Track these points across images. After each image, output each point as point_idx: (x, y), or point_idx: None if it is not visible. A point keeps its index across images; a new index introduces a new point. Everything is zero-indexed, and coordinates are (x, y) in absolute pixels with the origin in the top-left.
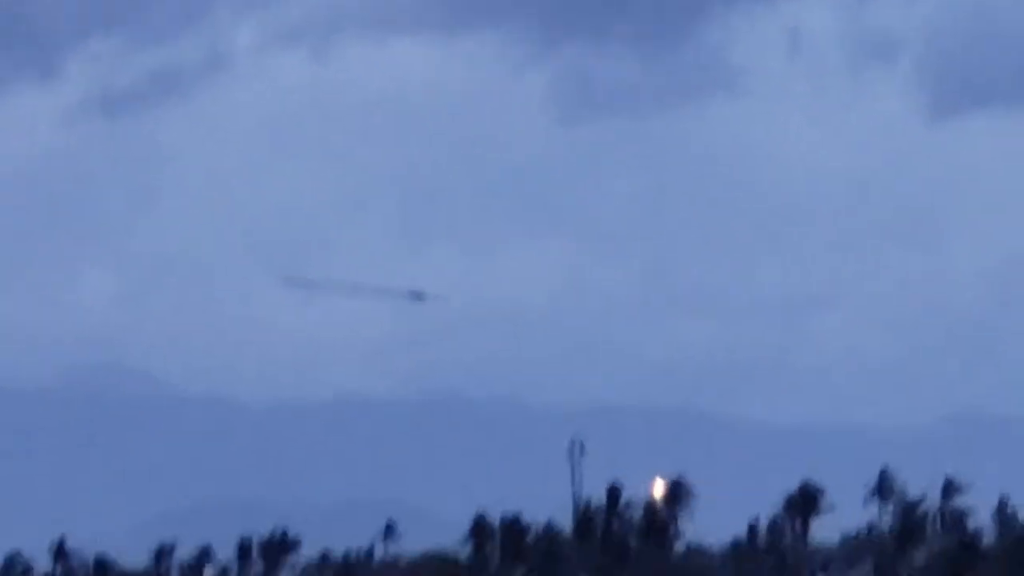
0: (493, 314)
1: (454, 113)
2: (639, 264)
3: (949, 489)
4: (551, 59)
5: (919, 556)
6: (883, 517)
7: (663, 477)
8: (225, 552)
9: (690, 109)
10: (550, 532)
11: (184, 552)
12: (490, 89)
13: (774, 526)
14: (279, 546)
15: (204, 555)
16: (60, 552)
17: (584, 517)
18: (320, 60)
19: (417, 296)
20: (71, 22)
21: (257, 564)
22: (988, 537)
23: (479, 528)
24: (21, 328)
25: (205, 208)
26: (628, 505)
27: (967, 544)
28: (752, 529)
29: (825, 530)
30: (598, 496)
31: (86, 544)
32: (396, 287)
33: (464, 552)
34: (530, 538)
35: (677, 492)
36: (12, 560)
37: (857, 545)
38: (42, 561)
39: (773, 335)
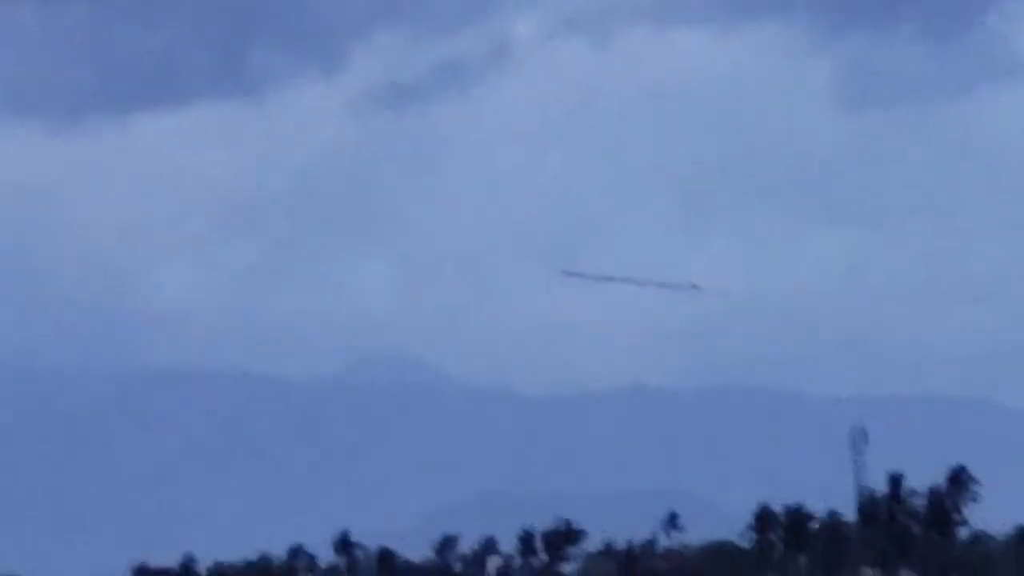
0: (775, 305)
1: (735, 103)
2: (922, 252)
3: None
4: (835, 48)
5: None
6: None
7: (945, 465)
8: (508, 544)
9: (974, 96)
10: (833, 521)
11: (467, 544)
12: (773, 78)
13: None
14: (563, 537)
15: (488, 547)
16: (344, 544)
17: (867, 506)
18: (601, 50)
19: (696, 288)
20: (356, 15)
21: (541, 555)
22: None
23: (762, 518)
24: (307, 321)
25: (485, 199)
26: (912, 493)
27: None
28: None
29: None
30: (881, 485)
31: (370, 537)
32: (675, 279)
33: (747, 542)
34: (813, 527)
35: (960, 480)
36: (296, 552)
37: None
38: (326, 553)
39: None
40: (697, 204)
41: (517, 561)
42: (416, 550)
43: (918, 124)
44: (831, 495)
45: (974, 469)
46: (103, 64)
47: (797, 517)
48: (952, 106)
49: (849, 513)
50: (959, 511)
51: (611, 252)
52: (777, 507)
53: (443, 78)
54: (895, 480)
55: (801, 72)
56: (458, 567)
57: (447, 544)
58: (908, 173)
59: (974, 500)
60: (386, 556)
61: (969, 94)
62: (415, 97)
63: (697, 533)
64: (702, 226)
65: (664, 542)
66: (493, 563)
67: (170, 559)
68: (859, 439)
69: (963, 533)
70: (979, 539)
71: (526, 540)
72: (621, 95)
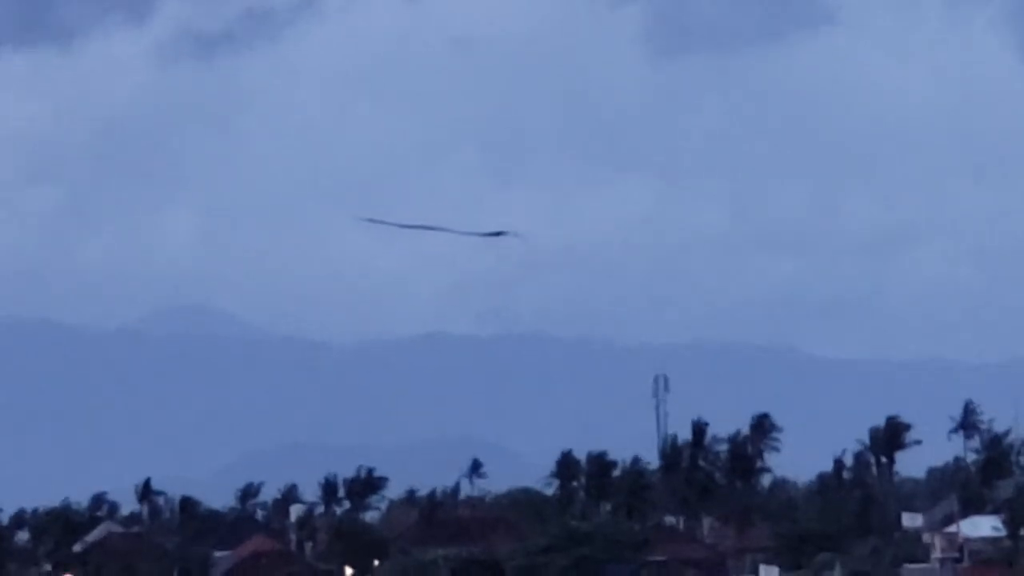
0: (576, 253)
1: (543, 52)
2: (724, 201)
3: None
4: None
5: (1005, 489)
6: (968, 451)
7: (748, 413)
8: (311, 492)
9: (782, 45)
10: (636, 468)
11: (269, 492)
12: (581, 28)
13: (860, 461)
14: (365, 485)
15: (290, 495)
16: (146, 492)
17: (670, 453)
18: (411, 1)
19: (497, 235)
20: None
21: (343, 503)
22: None
23: (565, 465)
24: (108, 270)
25: (291, 148)
26: (714, 441)
27: None
28: (838, 464)
29: (911, 464)
30: (683, 433)
31: (172, 485)
32: (477, 226)
33: (550, 489)
34: (616, 474)
35: (763, 428)
36: (98, 500)
37: (943, 479)
38: (128, 501)
39: (859, 271)
40: (503, 153)
41: (319, 509)
42: (218, 498)
43: (725, 73)
44: (634, 443)
45: (776, 417)
46: None
47: (600, 464)
48: (760, 55)
49: (652, 460)
50: (761, 458)
51: (416, 201)
52: (580, 454)
53: (251, 27)
54: (698, 428)
55: (609, 21)
56: (260, 515)
57: (249, 492)
58: (713, 122)
59: (776, 448)
60: (188, 504)
61: (778, 43)
62: (222, 46)
63: (500, 480)
64: (507, 175)
65: (467, 489)
66: (295, 511)
67: None
68: (661, 387)
69: (765, 480)
70: (781, 486)
71: (328, 488)
72: (430, 45)
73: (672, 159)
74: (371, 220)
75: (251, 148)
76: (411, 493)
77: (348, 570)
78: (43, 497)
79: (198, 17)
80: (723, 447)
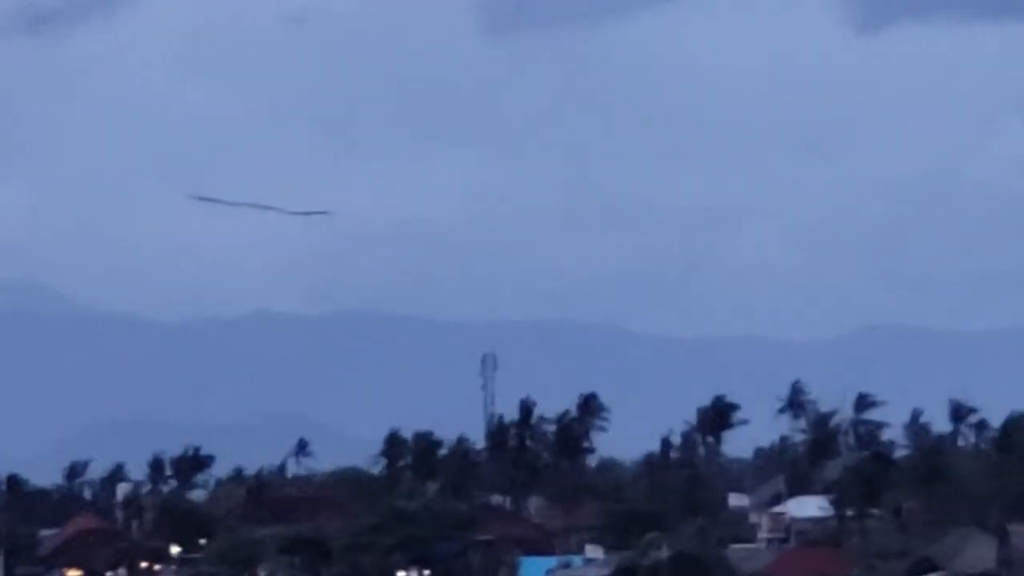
0: (404, 230)
1: (377, 25)
2: (552, 177)
3: (862, 403)
4: None
5: (832, 469)
6: (795, 431)
7: (576, 392)
8: (138, 471)
9: (620, 21)
10: (463, 447)
11: (96, 470)
12: (416, 2)
13: (687, 440)
14: (192, 463)
15: (117, 473)
16: None
17: (497, 432)
18: None
19: (322, 214)
20: None
21: (170, 482)
22: (901, 450)
23: (392, 444)
24: None
25: (119, 126)
26: (541, 420)
27: (880, 457)
28: (665, 443)
29: (738, 444)
30: (511, 412)
31: None
32: (307, 206)
33: (377, 468)
34: (443, 454)
35: (590, 407)
36: None
37: (770, 459)
38: None
39: (686, 247)
40: (335, 129)
41: (147, 487)
42: (45, 476)
43: (560, 48)
44: (462, 422)
45: (603, 396)
46: None
47: (426, 443)
48: (603, 30)
49: (479, 440)
50: (588, 438)
51: (248, 178)
52: (407, 434)
53: (83, 2)
54: (525, 407)
55: None
56: (87, 493)
57: (76, 470)
58: (546, 98)
59: (603, 427)
60: (14, 482)
61: (616, 18)
62: (57, 20)
63: (326, 460)
64: (340, 151)
65: (293, 469)
66: (122, 489)
67: None
68: (489, 365)
69: (593, 460)
70: (608, 466)
71: (155, 466)
72: (262, 21)
73: (505, 135)
74: (201, 198)
75: (83, 124)
76: (238, 472)
77: (175, 548)
78: None
79: None
80: (550, 427)
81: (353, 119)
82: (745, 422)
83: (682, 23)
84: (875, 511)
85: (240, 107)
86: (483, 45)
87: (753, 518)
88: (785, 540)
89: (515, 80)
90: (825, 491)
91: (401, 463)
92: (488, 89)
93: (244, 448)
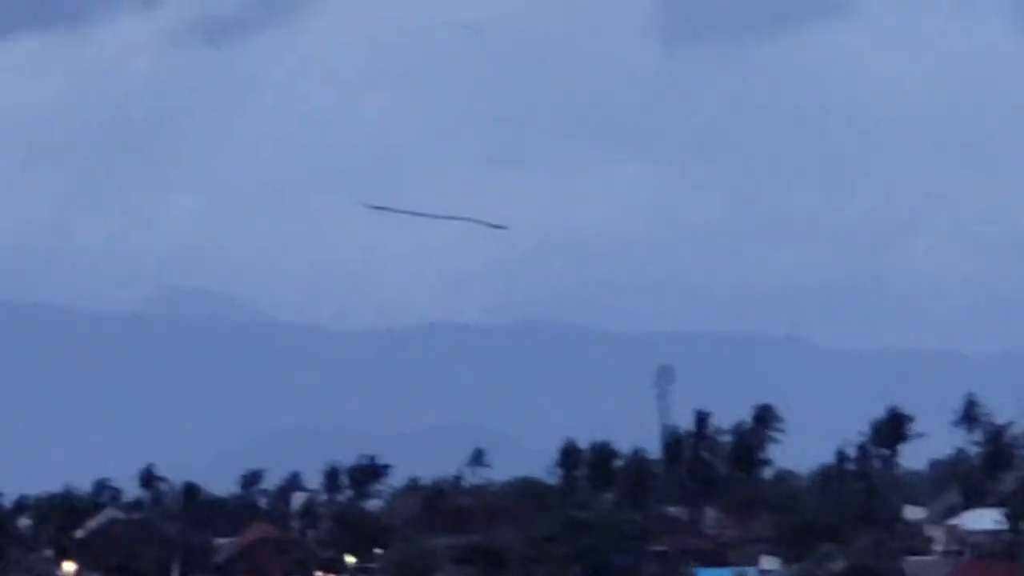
0: (579, 241)
1: (552, 36)
2: (729, 189)
3: None
4: None
5: (1008, 482)
6: (971, 444)
7: (751, 403)
8: (313, 480)
9: (792, 34)
10: (639, 458)
11: (272, 479)
12: (594, 14)
13: (862, 452)
14: (368, 473)
15: (292, 482)
16: (149, 478)
17: (673, 443)
18: None
19: (500, 225)
20: None
21: (346, 491)
22: None
23: (568, 454)
24: (112, 252)
25: (299, 134)
26: (717, 431)
27: None
28: (840, 456)
29: (913, 457)
30: (687, 423)
31: (174, 471)
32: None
33: (553, 478)
34: (619, 465)
35: (766, 419)
36: (101, 486)
37: (945, 471)
38: (131, 488)
39: (862, 260)
40: (510, 141)
41: (322, 496)
42: (221, 485)
43: (732, 61)
44: (637, 433)
45: (779, 407)
46: None
47: (603, 454)
48: (776, 43)
49: (654, 451)
50: (764, 449)
51: (422, 188)
52: (583, 444)
53: (262, 12)
54: (701, 418)
55: (619, 8)
56: (263, 502)
57: (252, 479)
58: (719, 110)
59: (779, 439)
60: (191, 490)
61: (787, 32)
62: (233, 30)
63: (503, 470)
64: (513, 162)
65: (470, 478)
66: (298, 498)
67: None
68: (665, 377)
69: (768, 472)
70: (783, 478)
71: (331, 476)
72: (439, 31)
73: (678, 147)
74: (375, 207)
75: (258, 133)
76: (414, 481)
77: (349, 558)
78: (45, 483)
79: (209, 2)
80: (726, 438)
81: (528, 130)
82: (920, 434)
83: (854, 35)
84: None
85: (415, 117)
86: (658, 57)
87: (928, 531)
88: (960, 553)
89: (689, 92)
90: (1000, 504)
91: (577, 473)
92: (662, 101)
93: (420, 458)
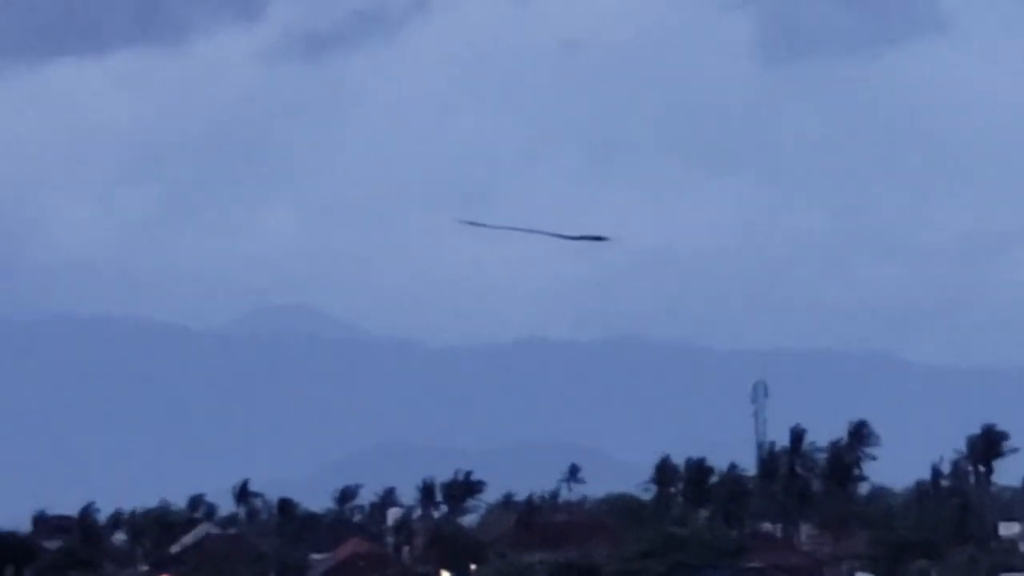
0: (676, 256)
1: (651, 53)
2: (825, 206)
3: None
4: (756, 1)
5: None
6: None
7: (847, 420)
8: (408, 495)
9: (894, 51)
10: (734, 475)
11: (367, 495)
12: (691, 31)
13: (957, 469)
14: (463, 488)
15: (388, 498)
16: (244, 494)
17: (768, 459)
18: (519, 2)
19: (595, 239)
20: None
21: (441, 507)
22: None
23: (663, 471)
24: (210, 268)
25: (394, 151)
26: (812, 448)
27: None
28: (935, 472)
29: (1009, 473)
30: (782, 439)
31: (270, 487)
32: (577, 229)
33: (648, 495)
34: (714, 480)
35: (861, 435)
36: (196, 501)
37: None
38: (226, 503)
39: (959, 276)
40: (605, 156)
41: (417, 512)
42: (316, 500)
43: (835, 78)
44: (733, 449)
45: (875, 424)
46: (23, 11)
47: (698, 470)
48: (871, 61)
49: (750, 467)
50: (859, 466)
51: (518, 203)
52: (678, 460)
53: (361, 28)
54: (796, 434)
55: (720, 25)
56: (358, 517)
57: (347, 494)
58: (816, 127)
59: (874, 455)
60: (286, 505)
61: (890, 49)
62: (332, 46)
63: (598, 486)
64: (609, 177)
65: (565, 494)
66: (393, 514)
67: (70, 508)
68: (760, 393)
69: (863, 488)
70: (879, 494)
71: (426, 491)
72: (538, 47)
73: (774, 163)
74: (469, 223)
75: (354, 149)
76: (508, 497)
77: (445, 574)
78: (141, 498)
79: (308, 18)
80: (821, 454)
81: (623, 145)
82: (1015, 450)
83: (953, 52)
84: None
85: (512, 132)
86: (757, 74)
87: (1023, 547)
88: None
89: (786, 108)
90: None
91: (672, 489)
92: (759, 117)
93: (515, 473)
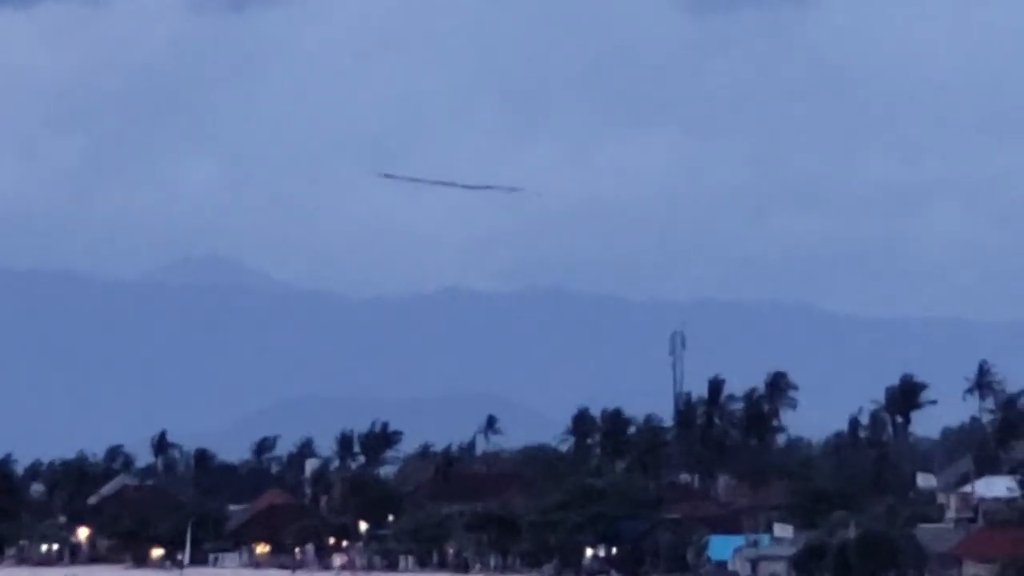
0: (595, 208)
1: (570, 5)
2: (745, 157)
3: None
4: None
5: (1021, 450)
6: (984, 411)
7: (765, 371)
8: (326, 446)
9: (816, 3)
10: (651, 426)
11: (285, 446)
12: None
13: (875, 420)
14: (380, 440)
15: (305, 449)
16: (162, 445)
17: (685, 411)
18: None
19: (515, 191)
20: None
21: (358, 458)
22: None
23: (580, 422)
24: (130, 219)
25: (315, 103)
26: (729, 399)
27: None
28: (853, 423)
29: (926, 424)
30: (699, 390)
31: (187, 438)
32: (498, 182)
33: (566, 446)
34: (631, 432)
35: (779, 386)
36: (113, 453)
37: (958, 439)
38: (144, 454)
39: (878, 228)
40: (524, 107)
41: (335, 463)
42: (233, 451)
43: (761, 30)
44: (650, 400)
45: (794, 375)
46: None
47: (615, 422)
48: (797, 9)
49: (668, 418)
50: (777, 417)
51: (439, 155)
52: (596, 411)
53: None
54: (714, 385)
55: None
56: (275, 469)
57: (264, 446)
58: (740, 78)
59: (792, 406)
60: (203, 457)
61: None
62: None
63: (515, 437)
64: (530, 129)
65: (482, 446)
66: (311, 465)
67: None
68: (678, 343)
69: (781, 439)
70: (796, 445)
71: (344, 442)
72: None
73: (695, 115)
74: (388, 175)
75: (277, 100)
76: (426, 448)
77: (363, 524)
78: (58, 449)
79: None
80: (739, 405)
81: (546, 96)
82: (933, 402)
83: (877, 2)
84: None
85: (433, 82)
86: (680, 24)
87: (941, 498)
88: (973, 520)
89: (710, 60)
90: (1013, 471)
91: (590, 441)
92: (683, 68)
93: (432, 425)
